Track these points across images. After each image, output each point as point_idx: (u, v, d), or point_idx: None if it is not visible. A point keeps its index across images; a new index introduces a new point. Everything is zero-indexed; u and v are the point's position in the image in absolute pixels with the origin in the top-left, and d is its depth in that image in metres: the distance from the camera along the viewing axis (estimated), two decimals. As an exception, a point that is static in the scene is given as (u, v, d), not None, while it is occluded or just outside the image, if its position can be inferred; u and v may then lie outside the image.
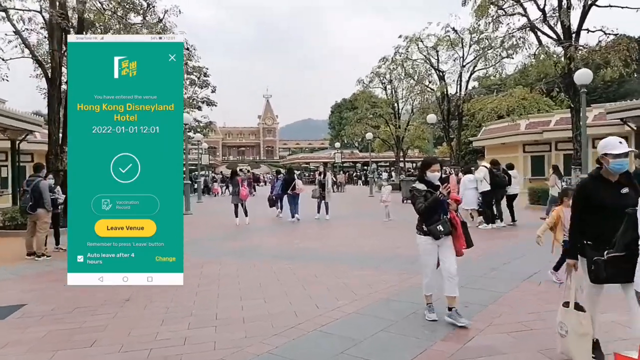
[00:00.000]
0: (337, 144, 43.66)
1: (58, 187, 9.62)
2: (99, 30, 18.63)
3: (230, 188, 15.36)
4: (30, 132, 16.92)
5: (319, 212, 15.55)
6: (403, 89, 32.46)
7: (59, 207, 9.56)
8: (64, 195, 9.33)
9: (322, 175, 15.90)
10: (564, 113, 28.25)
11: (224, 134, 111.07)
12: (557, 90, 16.28)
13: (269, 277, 6.84)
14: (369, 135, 31.26)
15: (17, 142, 16.80)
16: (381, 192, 15.20)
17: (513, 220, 12.26)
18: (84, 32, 17.48)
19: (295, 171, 60.85)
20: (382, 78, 32.68)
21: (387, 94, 34.49)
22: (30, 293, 6.33)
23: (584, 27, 16.49)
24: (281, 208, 16.42)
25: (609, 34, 16.50)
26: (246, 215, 14.17)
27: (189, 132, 34.65)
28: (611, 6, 15.83)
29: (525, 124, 29.46)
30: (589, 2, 15.98)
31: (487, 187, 11.58)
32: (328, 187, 15.45)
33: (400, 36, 26.62)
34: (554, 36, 16.74)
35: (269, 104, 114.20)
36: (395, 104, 35.12)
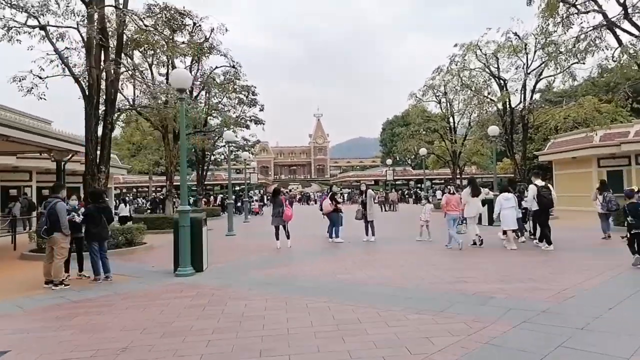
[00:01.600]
0: (389, 161, 41.91)
1: (80, 209, 8.86)
2: (145, 48, 18.55)
3: (271, 208, 14.16)
4: (75, 153, 16.81)
5: (367, 234, 14.14)
6: (459, 102, 30.46)
7: (82, 231, 8.79)
8: (81, 217, 8.55)
9: (363, 194, 14.46)
10: (646, 122, 25.26)
11: (276, 154, 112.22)
12: (646, 93, 14.04)
13: (301, 321, 5.52)
14: (423, 151, 29.47)
15: (63, 162, 16.71)
16: (422, 211, 14.09)
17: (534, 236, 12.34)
18: (125, 50, 17.37)
19: (346, 190, 59.62)
20: (436, 90, 30.87)
21: (441, 107, 32.60)
22: (21, 335, 5.38)
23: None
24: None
25: None
26: (288, 238, 12.99)
27: (237, 150, 34.44)
28: None
29: (600, 136, 26.55)
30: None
31: (536, 207, 11.41)
32: (370, 205, 14.04)
33: (455, 45, 24.94)
34: (638, 33, 14.53)
35: (319, 123, 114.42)
36: (451, 118, 33.10)
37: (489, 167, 42.64)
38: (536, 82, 22.72)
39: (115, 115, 19.44)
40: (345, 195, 47.22)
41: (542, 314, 5.47)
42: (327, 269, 9.28)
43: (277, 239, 12.94)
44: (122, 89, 19.17)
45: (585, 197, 24.33)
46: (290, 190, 49.16)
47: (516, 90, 23.83)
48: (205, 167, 32.27)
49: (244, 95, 30.38)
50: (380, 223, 15.19)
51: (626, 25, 14.96)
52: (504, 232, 12.00)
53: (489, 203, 15.96)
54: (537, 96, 31.35)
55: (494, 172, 22.17)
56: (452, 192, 12.71)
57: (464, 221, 13.02)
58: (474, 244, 11.93)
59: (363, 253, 11.73)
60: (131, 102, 20.40)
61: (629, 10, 14.42)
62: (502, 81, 23.97)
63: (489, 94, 26.11)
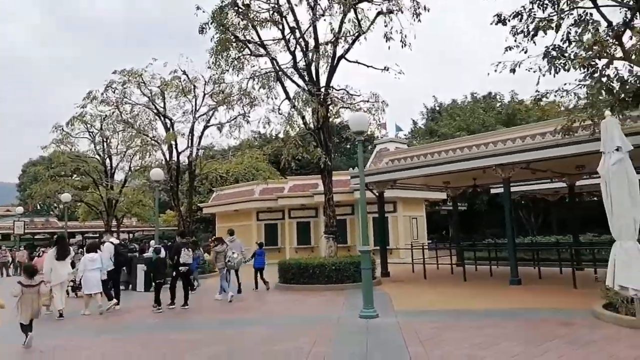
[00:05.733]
0: (19, 209, 31.99)
1: None
2: None
3: None
4: None
5: None
6: (119, 141, 26.02)
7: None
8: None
9: None
10: (298, 180, 27.66)
11: None
12: (313, 144, 13.89)
13: None
14: (66, 197, 22.96)
15: None
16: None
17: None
18: None
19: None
20: (89, 125, 25.41)
21: (95, 146, 27.11)
22: None
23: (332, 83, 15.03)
24: None
25: (353, 94, 15.36)
26: None
27: None
28: (358, 62, 14.82)
29: (259, 190, 27.43)
30: (338, 55, 14.58)
31: (112, 266, 11.30)
32: None
33: (115, 71, 20.81)
34: (303, 84, 14.58)
35: None
36: (108, 160, 28.03)
37: (151, 219, 39.03)
38: (204, 128, 21.13)
39: None
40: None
41: None
42: None
43: None
44: None
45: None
46: None
47: (183, 134, 21.63)
48: None
49: None
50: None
51: (296, 77, 14.88)
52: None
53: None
54: (209, 142, 30.43)
55: (155, 225, 18.75)
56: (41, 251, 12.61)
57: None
58: (61, 316, 10.29)
59: None
60: None
61: (298, 61, 14.34)
62: (168, 121, 21.32)
63: (154, 137, 22.94)
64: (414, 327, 8.00)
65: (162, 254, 11.54)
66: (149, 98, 21.17)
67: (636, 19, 7.75)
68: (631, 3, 9.04)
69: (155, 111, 21.59)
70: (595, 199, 32.89)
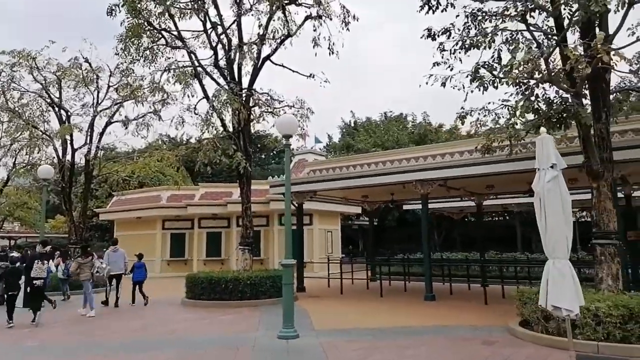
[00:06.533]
0: None
1: None
2: None
3: None
4: None
5: None
6: (3, 133, 22.64)
7: None
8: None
9: None
10: (210, 187, 26.08)
11: None
12: (233, 148, 12.80)
13: None
14: None
15: None
16: None
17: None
18: None
19: None
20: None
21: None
22: None
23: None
24: None
25: (277, 99, 14.62)
26: None
27: None
28: (283, 66, 14.15)
29: (167, 196, 25.40)
30: (264, 55, 13.82)
31: None
32: None
33: (2, 52, 18.01)
34: (224, 83, 13.55)
35: None
36: (-13, 154, 24.28)
37: (37, 225, 34.67)
38: (107, 124, 18.96)
39: None
40: None
41: None
42: None
43: None
44: None
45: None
46: None
47: (81, 129, 19.25)
48: None
49: None
50: None
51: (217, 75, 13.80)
52: None
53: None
54: (112, 141, 27.66)
55: (41, 231, 16.34)
56: None
57: None
58: None
59: None
60: None
61: (220, 59, 13.29)
62: (64, 113, 18.87)
63: (46, 130, 20.19)
64: (337, 348, 7.39)
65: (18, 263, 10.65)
66: (42, 85, 18.58)
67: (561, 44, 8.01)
68: (548, 30, 9.49)
69: (48, 101, 19.02)
70: (496, 218, 35.50)
